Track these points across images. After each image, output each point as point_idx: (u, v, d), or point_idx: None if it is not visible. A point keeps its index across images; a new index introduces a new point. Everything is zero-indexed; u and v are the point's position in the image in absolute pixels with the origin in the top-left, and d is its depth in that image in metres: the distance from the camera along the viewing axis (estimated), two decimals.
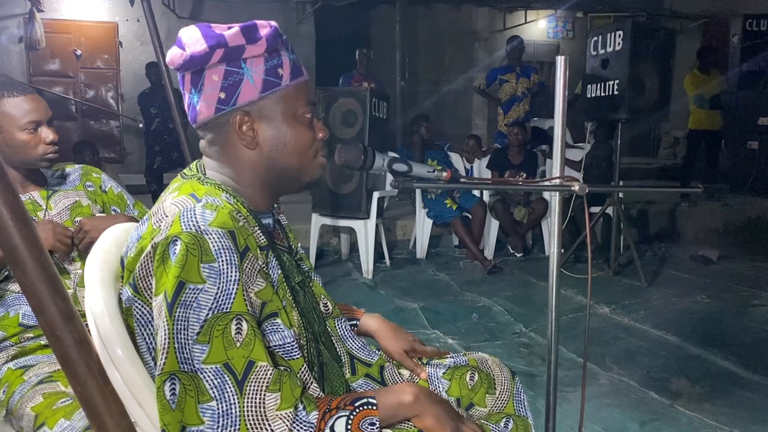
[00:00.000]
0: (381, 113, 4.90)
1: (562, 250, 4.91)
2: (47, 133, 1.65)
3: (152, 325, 0.99)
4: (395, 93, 8.69)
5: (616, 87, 4.45)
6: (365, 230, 4.82)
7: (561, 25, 11.06)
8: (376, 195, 4.85)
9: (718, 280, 4.76)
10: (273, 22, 1.09)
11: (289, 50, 1.11)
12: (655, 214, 6.50)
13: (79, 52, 8.90)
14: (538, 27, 10.91)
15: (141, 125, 7.46)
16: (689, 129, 7.20)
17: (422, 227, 5.50)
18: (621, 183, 5.05)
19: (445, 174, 1.33)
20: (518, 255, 5.48)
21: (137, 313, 1.01)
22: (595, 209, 5.04)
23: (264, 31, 1.06)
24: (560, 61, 1.33)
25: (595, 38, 4.68)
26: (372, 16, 10.45)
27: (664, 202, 6.70)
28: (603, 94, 4.58)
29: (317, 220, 5.02)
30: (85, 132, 8.95)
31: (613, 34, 4.48)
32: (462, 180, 1.50)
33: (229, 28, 1.06)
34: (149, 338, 1.01)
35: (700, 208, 6.74)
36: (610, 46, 4.52)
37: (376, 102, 4.82)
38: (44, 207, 1.72)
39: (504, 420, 1.35)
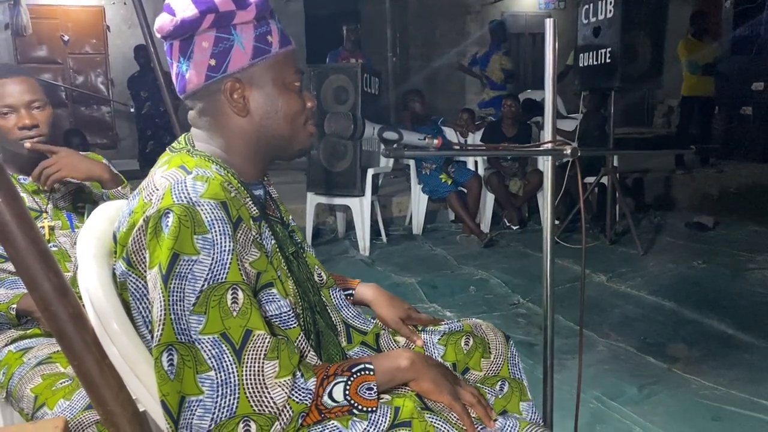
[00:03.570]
0: (373, 89, 4.86)
1: (557, 222, 4.94)
2: (21, 117, 1.60)
3: (147, 299, 1.00)
4: (387, 69, 8.63)
5: (608, 55, 4.42)
6: (361, 207, 4.82)
7: None
8: (370, 172, 4.83)
9: (714, 245, 4.78)
10: None
11: (276, 19, 1.10)
12: (651, 182, 6.50)
13: (66, 38, 8.79)
14: None
15: (132, 110, 7.42)
16: (682, 96, 7.17)
17: (418, 203, 5.50)
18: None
19: (436, 141, 1.32)
20: (514, 227, 5.49)
21: (132, 287, 1.01)
22: (590, 179, 5.04)
23: None
24: (549, 23, 1.32)
25: (586, 6, 4.63)
26: None
27: (659, 170, 6.71)
28: (595, 63, 4.55)
29: (312, 199, 5.01)
30: (76, 118, 8.89)
31: (604, 1, 4.44)
32: (454, 147, 1.49)
33: None
34: (145, 312, 1.01)
35: (695, 176, 6.75)
36: (601, 14, 4.48)
37: (368, 78, 4.78)
38: (48, 189, 1.72)
39: (499, 383, 1.36)
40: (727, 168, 7.09)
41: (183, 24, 1.03)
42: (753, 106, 7.42)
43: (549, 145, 1.37)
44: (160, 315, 0.92)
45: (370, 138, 1.29)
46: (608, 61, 4.43)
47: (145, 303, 1.01)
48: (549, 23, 1.33)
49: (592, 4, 4.57)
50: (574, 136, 5.28)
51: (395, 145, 1.30)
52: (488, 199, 5.48)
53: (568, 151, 1.32)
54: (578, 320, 1.94)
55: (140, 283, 1.00)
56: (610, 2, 4.39)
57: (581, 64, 4.73)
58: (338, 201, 5.04)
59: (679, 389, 2.54)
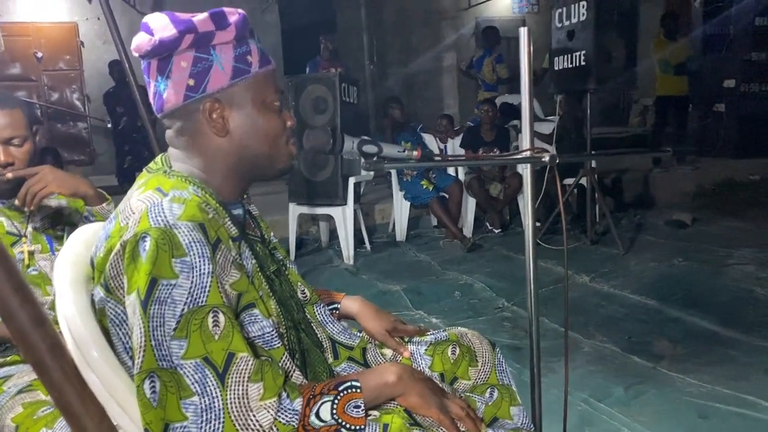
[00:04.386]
0: (351, 98, 4.87)
1: (538, 224, 4.97)
2: None
3: (127, 325, 0.98)
4: (365, 77, 8.65)
5: (582, 58, 4.47)
6: (343, 216, 4.81)
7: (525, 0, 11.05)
8: (352, 180, 4.83)
9: (693, 242, 4.84)
10: (241, 10, 1.07)
11: (256, 39, 1.10)
12: (629, 181, 6.58)
13: (40, 55, 8.69)
14: (503, 2, 10.88)
15: (109, 125, 7.35)
16: (657, 96, 7.28)
17: (400, 210, 5.50)
18: (593, 152, 5.09)
19: (415, 153, 1.32)
20: (496, 231, 5.52)
21: (111, 313, 0.99)
22: (570, 180, 5.08)
23: (233, 18, 1.05)
24: (523, 32, 1.32)
25: (560, 10, 4.69)
26: (336, 0, 10.34)
27: (636, 169, 6.78)
28: (570, 66, 4.60)
29: (294, 210, 5.00)
30: (52, 136, 8.76)
31: (577, 4, 4.50)
32: (434, 158, 1.49)
33: (194, 15, 1.04)
34: (125, 338, 1.00)
35: (672, 173, 6.84)
36: (574, 17, 4.53)
37: (346, 87, 4.79)
38: (27, 212, 1.69)
39: (488, 390, 1.36)
40: (702, 165, 7.19)
41: (161, 44, 1.02)
42: (726, 103, 7.54)
43: (527, 153, 1.37)
44: (141, 342, 0.91)
45: (350, 150, 1.29)
46: (583, 63, 4.48)
47: (124, 329, 0.99)
48: (523, 32, 1.33)
49: (565, 8, 4.63)
50: (552, 138, 5.33)
51: (375, 158, 1.30)
52: (470, 204, 5.50)
53: (546, 159, 1.33)
54: (563, 322, 1.95)
55: (119, 309, 0.98)
56: (583, 5, 4.45)
57: (556, 67, 4.78)
58: (321, 211, 5.02)
59: (665, 388, 2.55)
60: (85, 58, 8.91)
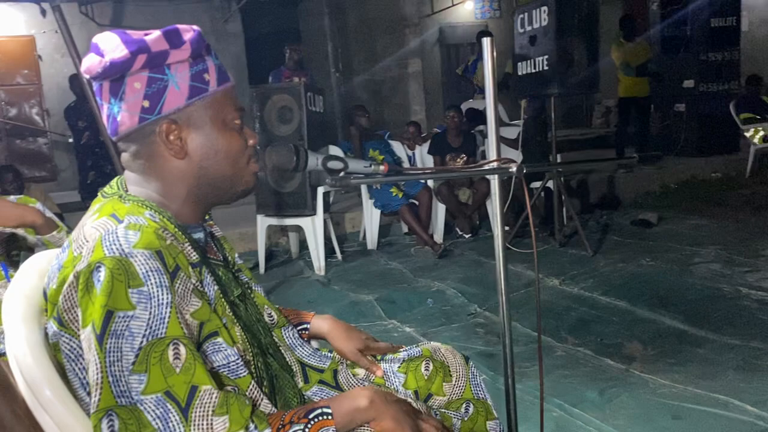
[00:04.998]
0: (317, 107, 4.83)
1: (506, 228, 5.00)
2: None
3: (83, 360, 0.93)
4: (331, 85, 8.63)
5: (545, 63, 4.51)
6: (313, 227, 4.76)
7: (487, 5, 11.16)
8: (321, 190, 4.78)
9: (660, 241, 4.90)
10: (196, 27, 1.04)
11: (213, 55, 1.06)
12: (594, 183, 6.66)
13: None
14: (465, 9, 10.98)
15: (70, 140, 7.20)
16: (619, 97, 7.41)
17: (370, 218, 5.48)
18: (558, 156, 5.13)
19: (382, 168, 1.30)
20: (467, 236, 5.54)
21: (65, 348, 0.94)
22: (537, 184, 5.12)
23: (187, 36, 1.01)
24: (486, 42, 1.31)
25: (521, 15, 4.73)
26: (300, 9, 10.31)
27: (601, 170, 6.88)
28: (533, 71, 4.64)
29: (263, 221, 4.93)
30: (10, 152, 8.55)
31: (538, 10, 4.54)
32: (403, 171, 1.48)
33: (147, 34, 1.00)
34: (81, 373, 0.95)
35: (637, 174, 6.95)
36: (536, 23, 4.58)
37: (312, 96, 4.75)
38: None
39: (464, 405, 1.35)
40: (666, 164, 7.33)
41: (113, 65, 0.98)
42: (686, 103, 7.70)
43: (494, 164, 1.36)
44: (97, 378, 0.86)
45: (315, 167, 1.26)
46: (546, 68, 4.52)
47: (80, 364, 0.94)
48: (486, 42, 1.32)
49: (526, 14, 4.67)
50: (518, 143, 5.37)
51: (341, 174, 1.27)
52: (439, 210, 5.50)
53: (513, 169, 1.32)
54: (535, 326, 1.94)
55: (74, 343, 0.94)
56: (544, 10, 4.50)
57: (520, 73, 4.82)
58: (290, 221, 4.97)
59: (638, 390, 2.56)
60: (43, 72, 8.73)
